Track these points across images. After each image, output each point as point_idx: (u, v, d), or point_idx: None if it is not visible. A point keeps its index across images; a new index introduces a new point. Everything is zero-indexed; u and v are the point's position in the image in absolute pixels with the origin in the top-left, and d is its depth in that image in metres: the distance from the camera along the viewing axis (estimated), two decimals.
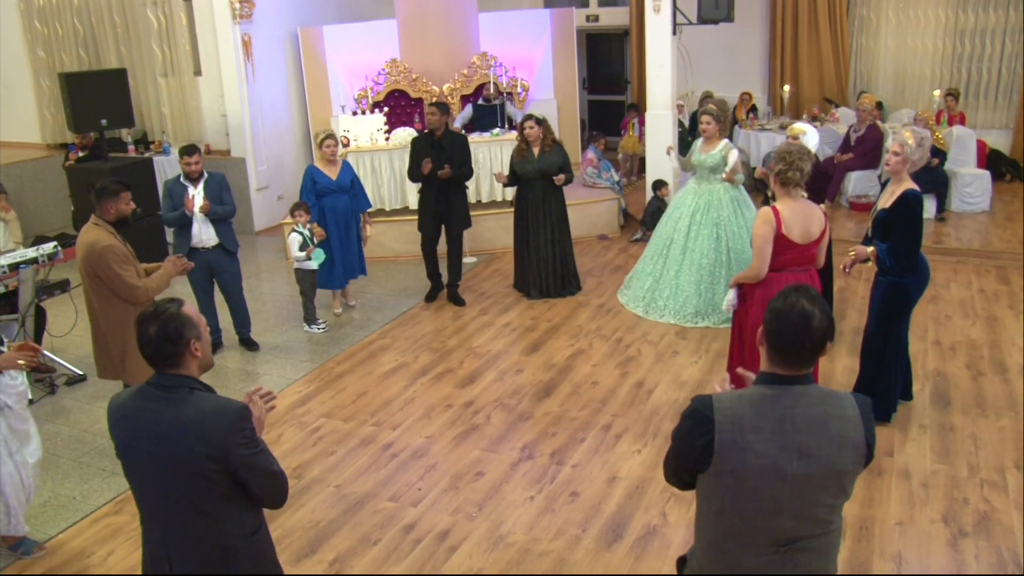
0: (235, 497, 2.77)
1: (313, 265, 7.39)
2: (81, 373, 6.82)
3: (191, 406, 2.73)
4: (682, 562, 2.81)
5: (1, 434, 4.49)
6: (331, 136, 7.70)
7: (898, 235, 5.09)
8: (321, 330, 7.61)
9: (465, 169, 7.91)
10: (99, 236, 5.15)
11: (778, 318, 2.41)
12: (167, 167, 10.48)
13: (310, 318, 7.65)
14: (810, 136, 6.39)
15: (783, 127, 11.46)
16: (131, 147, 10.90)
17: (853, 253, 5.25)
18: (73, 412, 6.34)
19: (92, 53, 11.90)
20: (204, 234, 6.84)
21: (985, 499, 4.66)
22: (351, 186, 7.79)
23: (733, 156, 7.21)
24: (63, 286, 6.91)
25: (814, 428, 2.39)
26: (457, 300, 8.20)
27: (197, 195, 6.77)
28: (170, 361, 2.76)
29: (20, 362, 4.39)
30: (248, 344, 7.34)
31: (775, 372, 2.45)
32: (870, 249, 5.17)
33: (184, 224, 6.81)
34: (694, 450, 2.43)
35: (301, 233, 7.31)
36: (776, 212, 4.74)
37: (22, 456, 4.62)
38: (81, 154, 10.16)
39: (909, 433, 5.38)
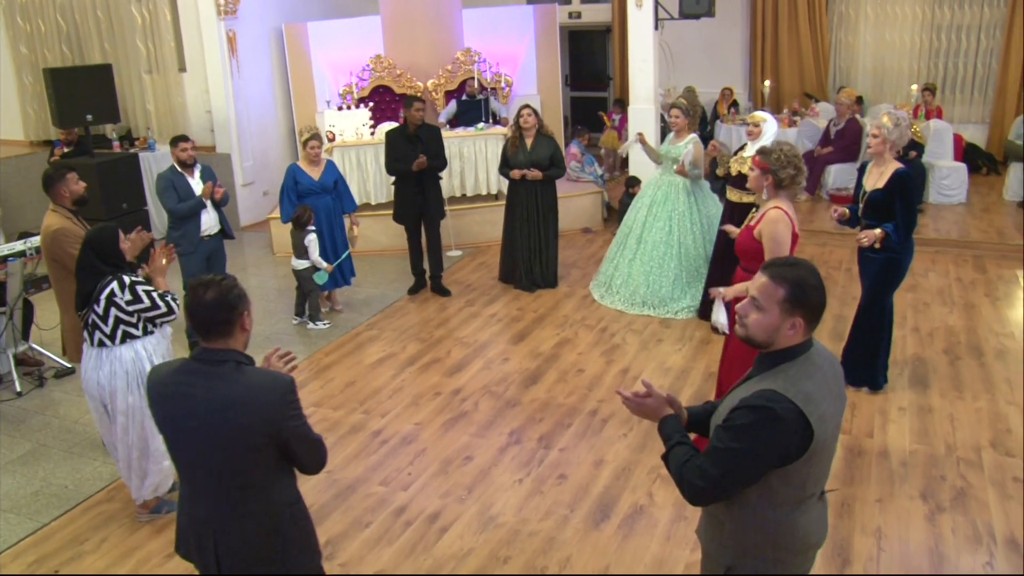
0: (281, 467, 2.83)
1: (316, 280, 7.44)
2: (69, 366, 6.82)
3: (241, 381, 2.72)
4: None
5: None
6: (315, 137, 7.65)
7: (900, 212, 5.32)
8: (325, 326, 7.61)
9: (440, 160, 7.99)
10: (52, 220, 5.29)
11: (815, 283, 2.46)
12: (152, 163, 10.47)
13: (315, 315, 7.61)
14: (770, 123, 6.52)
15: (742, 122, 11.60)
16: (116, 143, 10.89)
17: (866, 240, 5.38)
18: (63, 404, 6.36)
19: (75, 49, 11.86)
20: (210, 221, 6.86)
21: (962, 476, 4.79)
22: (334, 187, 7.74)
23: (690, 149, 7.26)
24: (50, 279, 6.93)
25: (835, 373, 2.56)
26: (442, 291, 8.28)
27: (196, 183, 6.79)
28: (221, 330, 2.74)
29: (163, 261, 4.67)
30: None
31: (799, 344, 2.49)
32: (878, 232, 5.32)
33: (196, 213, 6.75)
34: (787, 449, 2.36)
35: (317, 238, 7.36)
36: (786, 212, 4.53)
37: None
38: (66, 150, 10.14)
39: (889, 415, 5.51)
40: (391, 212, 9.50)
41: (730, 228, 5.37)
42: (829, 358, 2.59)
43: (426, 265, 8.34)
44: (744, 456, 2.36)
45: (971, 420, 5.42)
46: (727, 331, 4.46)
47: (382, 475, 5.12)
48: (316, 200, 7.58)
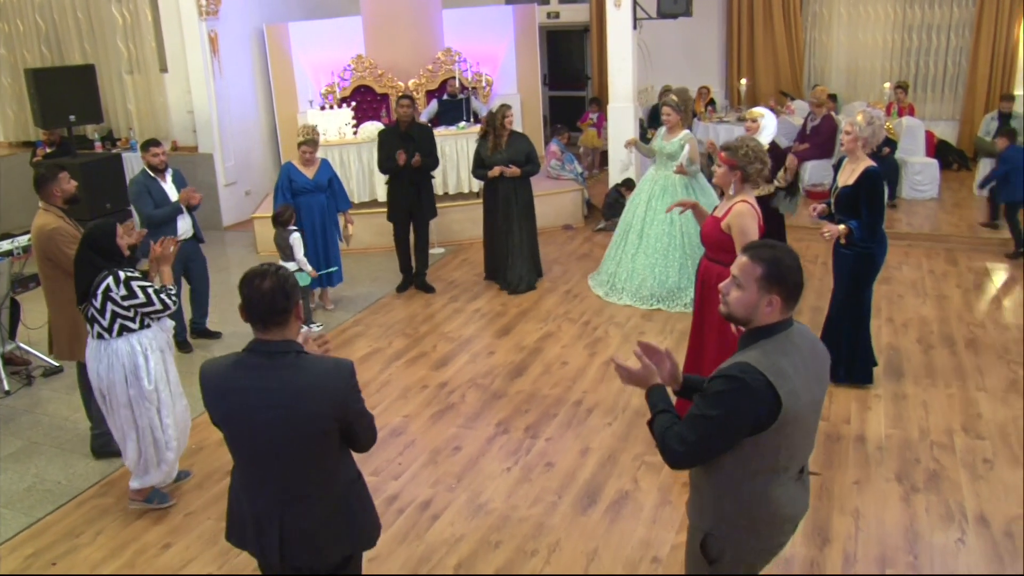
0: (342, 447, 2.91)
1: (299, 280, 7.41)
2: (57, 364, 6.85)
3: (308, 369, 2.77)
4: (705, 545, 2.77)
5: (170, 378, 4.78)
6: (309, 143, 7.67)
7: (866, 210, 5.44)
8: (318, 328, 7.63)
9: (432, 159, 8.09)
10: (47, 220, 5.32)
11: (792, 263, 2.60)
12: (135, 163, 10.46)
13: (308, 317, 7.60)
14: (768, 119, 6.63)
15: (740, 119, 11.79)
16: (97, 144, 10.91)
17: (828, 234, 5.51)
18: (52, 402, 6.40)
19: (55, 50, 11.86)
20: (185, 225, 6.92)
21: (935, 459, 4.96)
22: (328, 185, 7.80)
23: (687, 149, 7.36)
24: (37, 279, 6.93)
25: (815, 355, 2.69)
26: (426, 287, 8.37)
27: (168, 187, 6.85)
28: (279, 319, 2.76)
29: (172, 249, 4.80)
30: (209, 334, 7.42)
31: (778, 322, 2.63)
32: (841, 227, 5.46)
33: (172, 218, 6.80)
34: (756, 418, 2.49)
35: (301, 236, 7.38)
36: (753, 205, 4.70)
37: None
38: (49, 150, 10.15)
39: (865, 402, 5.68)
40: (374, 211, 9.66)
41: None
42: (811, 340, 2.73)
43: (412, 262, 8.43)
44: (717, 422, 2.51)
45: (943, 406, 5.61)
46: None
47: (372, 465, 5.21)
48: (310, 198, 7.65)
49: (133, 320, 4.58)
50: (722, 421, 2.51)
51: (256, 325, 2.79)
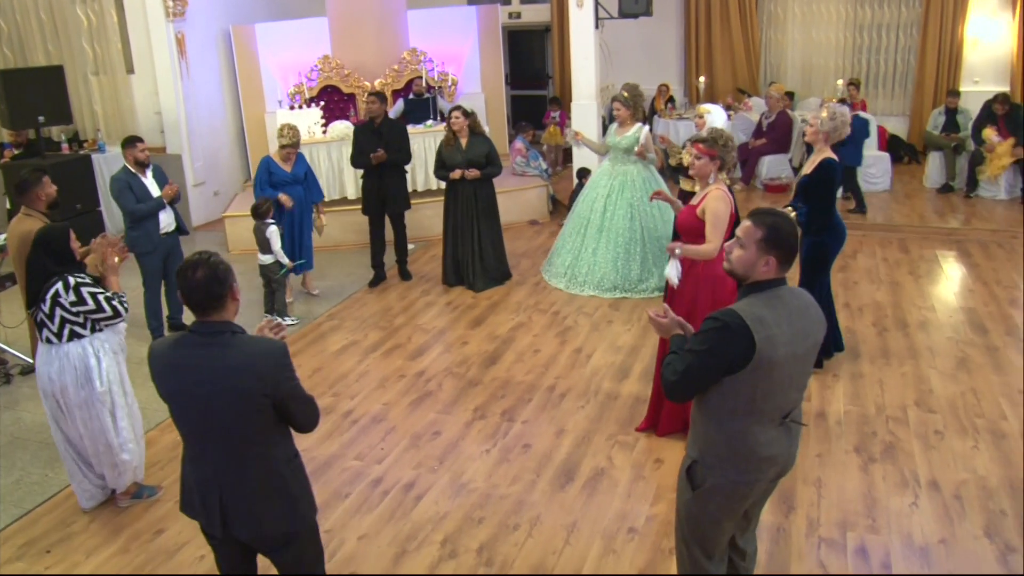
0: (279, 425, 3.09)
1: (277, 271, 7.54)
2: (33, 363, 6.90)
3: (239, 349, 2.97)
4: (691, 471, 3.13)
5: (124, 379, 4.80)
6: (292, 146, 7.89)
7: (813, 198, 5.73)
8: (295, 322, 7.71)
9: (403, 154, 8.30)
10: (32, 225, 5.34)
11: (789, 230, 2.93)
12: (104, 164, 10.50)
13: (282, 310, 7.69)
14: (715, 114, 6.90)
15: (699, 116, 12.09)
16: (64, 145, 10.90)
17: None
18: (33, 399, 6.44)
19: (18, 51, 11.78)
20: (167, 219, 7.03)
21: (890, 432, 5.27)
22: (304, 178, 8.05)
23: (643, 133, 7.62)
24: (14, 278, 7.00)
25: (804, 314, 2.99)
26: (406, 275, 8.72)
27: (150, 183, 6.95)
28: (216, 304, 2.97)
29: (116, 259, 4.74)
30: (185, 328, 7.49)
31: (770, 279, 2.94)
32: (792, 214, 5.74)
33: (155, 213, 6.89)
34: (733, 356, 2.84)
35: (279, 229, 7.49)
36: (727, 193, 4.93)
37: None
38: (16, 152, 10.13)
39: (825, 382, 5.98)
40: (344, 208, 9.81)
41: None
42: (806, 302, 3.04)
43: (386, 258, 8.62)
44: (700, 356, 2.90)
45: (897, 383, 5.93)
46: (676, 284, 5.01)
47: (356, 451, 5.39)
48: (289, 190, 7.87)
49: (83, 326, 4.54)
50: (704, 356, 2.88)
51: (196, 312, 3.01)
